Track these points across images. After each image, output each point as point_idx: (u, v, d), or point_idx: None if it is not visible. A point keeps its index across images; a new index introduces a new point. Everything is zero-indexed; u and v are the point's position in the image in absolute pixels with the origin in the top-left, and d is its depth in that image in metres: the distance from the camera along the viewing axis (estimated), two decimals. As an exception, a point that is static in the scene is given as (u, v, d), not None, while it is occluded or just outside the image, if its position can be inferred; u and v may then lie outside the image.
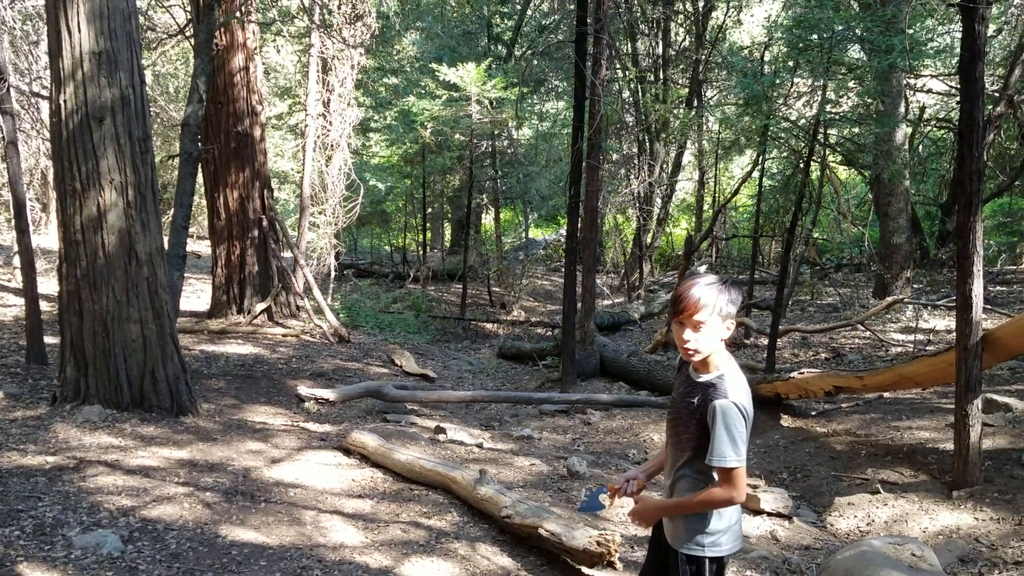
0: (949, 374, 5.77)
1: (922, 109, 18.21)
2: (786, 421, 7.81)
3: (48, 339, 8.26)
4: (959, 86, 5.55)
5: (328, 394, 8.09)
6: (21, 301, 8.81)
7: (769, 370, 9.30)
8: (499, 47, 21.56)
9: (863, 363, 9.90)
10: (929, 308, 12.15)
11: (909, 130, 15.94)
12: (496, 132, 16.97)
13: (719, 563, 2.62)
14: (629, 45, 20.50)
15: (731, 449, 2.42)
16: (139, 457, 5.58)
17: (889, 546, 4.21)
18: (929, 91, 17.34)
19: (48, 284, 11.37)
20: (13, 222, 8.50)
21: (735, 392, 2.45)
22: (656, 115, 18.91)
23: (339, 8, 12.13)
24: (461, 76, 14.58)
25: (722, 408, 2.43)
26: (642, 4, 19.43)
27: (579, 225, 10.30)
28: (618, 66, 19.26)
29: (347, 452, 6.41)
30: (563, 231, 19.21)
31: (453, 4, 21.42)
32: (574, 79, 10.28)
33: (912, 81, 15.55)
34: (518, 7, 21.84)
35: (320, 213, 14.28)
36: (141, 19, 10.55)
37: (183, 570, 4.03)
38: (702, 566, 2.61)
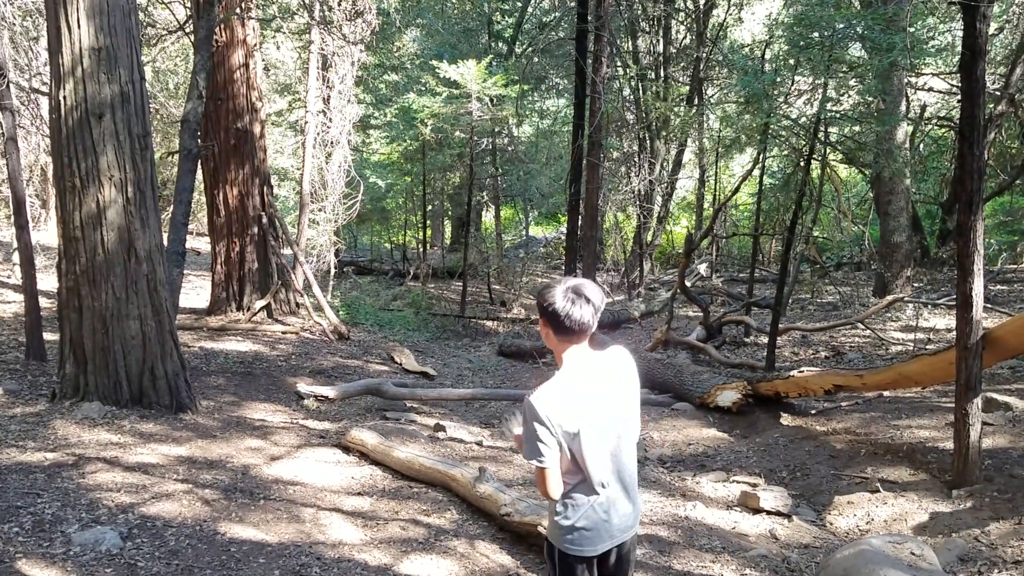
0: (949, 373, 5.77)
1: (923, 107, 18.19)
2: (786, 419, 7.80)
3: (47, 335, 8.26)
4: (960, 84, 5.54)
5: (327, 391, 8.08)
6: (21, 297, 8.80)
7: (769, 368, 9.30)
8: (500, 44, 21.54)
9: (863, 362, 9.89)
10: (929, 307, 12.14)
11: (910, 128, 15.93)
12: (496, 129, 16.96)
13: (566, 561, 2.67)
14: (630, 42, 20.48)
15: (527, 448, 2.54)
16: (138, 454, 5.57)
17: (889, 544, 4.20)
18: (930, 89, 17.31)
19: (48, 280, 11.36)
20: (13, 218, 8.49)
21: (538, 394, 2.51)
22: (657, 113, 18.90)
23: (339, 4, 12.10)
24: (462, 73, 14.56)
25: (522, 407, 2.55)
26: (643, 1, 19.41)
27: (579, 223, 10.30)
28: (619, 63, 19.25)
29: (346, 449, 6.40)
30: (563, 229, 19.18)
31: (454, 1, 21.40)
32: (575, 76, 10.29)
33: (913, 79, 15.52)
34: (519, 4, 21.82)
35: (320, 210, 14.26)
36: (141, 15, 10.54)
37: (182, 567, 4.03)
38: (553, 555, 2.71)
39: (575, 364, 2.59)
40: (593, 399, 2.56)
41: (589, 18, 9.73)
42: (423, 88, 16.13)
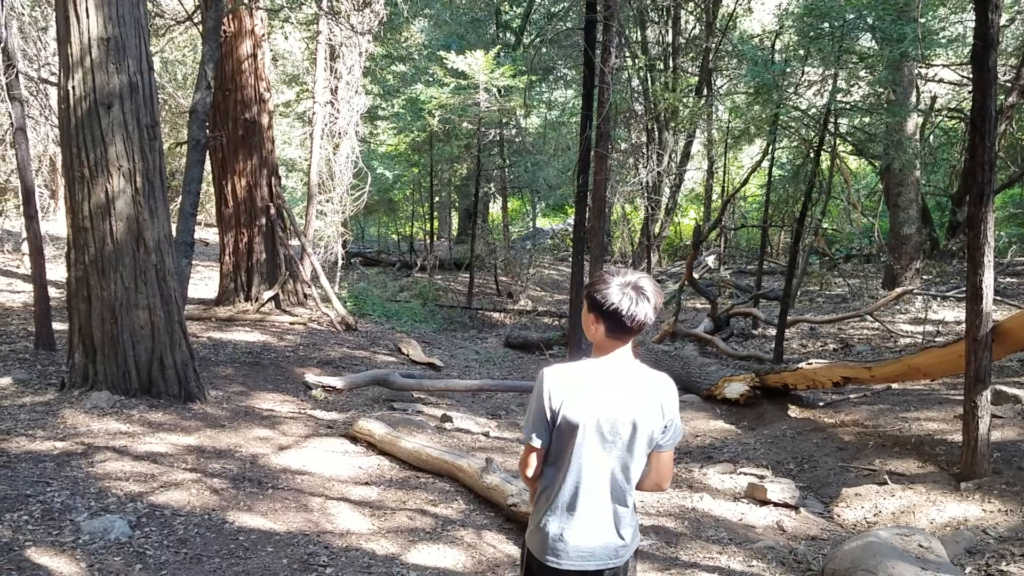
0: (958, 365, 5.74)
1: (933, 99, 18.08)
2: (794, 412, 7.79)
3: (57, 325, 8.29)
4: (971, 75, 5.50)
5: (335, 382, 8.10)
6: (30, 287, 8.84)
7: (777, 360, 9.28)
8: (508, 35, 21.49)
9: (872, 354, 9.87)
10: (939, 299, 12.09)
11: (920, 120, 15.84)
12: (504, 120, 16.93)
13: (528, 556, 2.46)
14: (639, 33, 20.40)
15: (525, 422, 2.41)
16: (147, 443, 5.60)
17: (896, 537, 4.19)
18: (941, 80, 17.21)
19: (57, 270, 11.41)
20: (22, 208, 8.53)
21: (554, 367, 2.37)
22: (665, 104, 18.83)
23: (347, -5, 12.07)
24: (469, 64, 14.53)
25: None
26: (652, -8, 19.33)
27: (587, 214, 10.26)
28: (627, 54, 19.15)
29: (354, 440, 6.42)
30: (571, 220, 19.18)
31: (462, -9, 21.35)
32: (583, 67, 10.24)
33: (924, 70, 15.42)
34: (527, -6, 21.75)
35: (327, 201, 14.27)
36: (149, 5, 10.54)
37: (190, 555, 4.05)
38: (523, 553, 2.53)
39: (610, 360, 2.36)
40: (609, 403, 2.31)
41: (597, 8, 9.67)
42: (431, 79, 16.11)
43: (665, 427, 2.40)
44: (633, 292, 2.27)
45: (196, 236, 9.14)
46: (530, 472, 2.42)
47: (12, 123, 8.03)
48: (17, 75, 7.98)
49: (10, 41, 7.90)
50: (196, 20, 10.93)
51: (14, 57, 7.96)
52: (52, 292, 9.11)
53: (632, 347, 2.40)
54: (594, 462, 2.34)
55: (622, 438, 2.34)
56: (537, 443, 2.35)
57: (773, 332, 10.40)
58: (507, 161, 18.17)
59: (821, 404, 7.99)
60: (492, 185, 19.63)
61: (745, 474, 6.24)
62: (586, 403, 2.31)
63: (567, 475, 2.35)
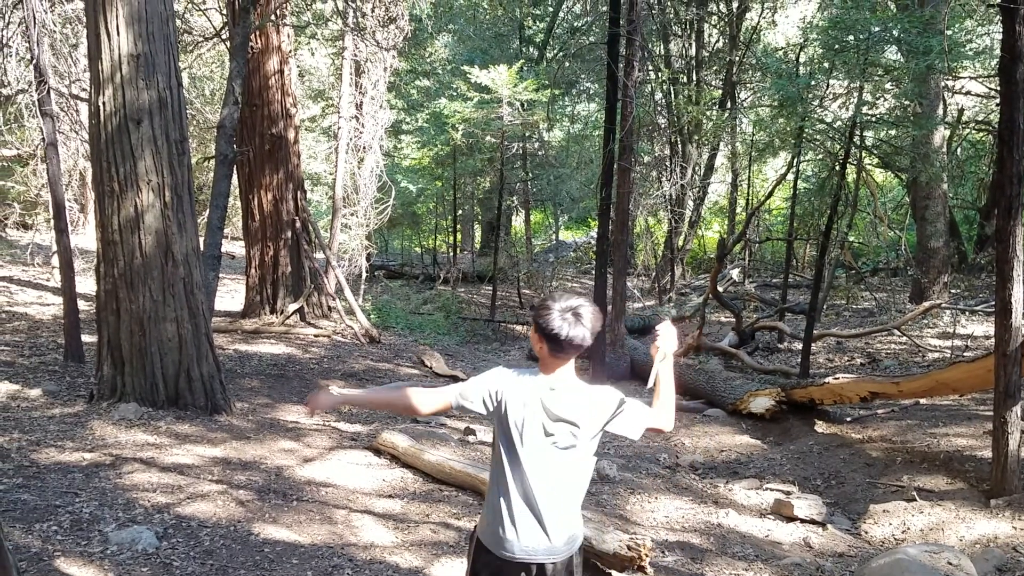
0: (987, 380, 5.67)
1: (960, 111, 17.91)
2: (820, 427, 7.71)
3: (86, 338, 8.40)
4: (999, 88, 5.45)
5: (359, 394, 8.11)
6: (60, 300, 8.96)
7: (803, 375, 9.20)
8: (531, 49, 21.58)
9: (899, 369, 9.76)
10: (967, 313, 11.94)
11: (947, 132, 15.69)
12: (527, 134, 16.99)
13: (477, 543, 2.68)
14: (662, 46, 20.41)
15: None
16: (174, 455, 5.65)
17: (925, 554, 4.14)
18: (968, 93, 17.04)
19: (86, 283, 11.57)
20: (53, 222, 8.65)
21: (511, 368, 2.65)
22: (689, 117, 18.80)
23: (372, 11, 12.20)
24: (493, 78, 14.61)
25: None
26: (675, 5, 19.33)
27: (610, 227, 10.26)
28: (650, 68, 19.15)
29: (377, 452, 6.43)
30: (594, 233, 19.15)
31: (486, 7, 21.47)
32: (606, 81, 10.26)
33: (951, 83, 15.29)
34: (550, 9, 21.84)
35: (352, 215, 14.37)
36: (178, 22, 10.70)
37: (216, 567, 4.07)
38: (473, 535, 2.75)
39: (553, 375, 2.59)
40: (547, 413, 2.54)
41: (621, 22, 9.71)
42: (454, 93, 16.20)
43: (614, 414, 2.63)
44: (572, 317, 2.51)
45: (223, 249, 9.24)
46: (424, 408, 2.63)
47: (44, 138, 8.16)
48: (48, 91, 8.12)
49: (42, 58, 8.04)
50: (224, 37, 11.10)
51: (45, 73, 8.10)
52: (81, 305, 9.24)
53: (575, 364, 2.65)
54: (528, 464, 2.55)
55: (563, 441, 2.56)
56: (457, 393, 2.59)
57: (799, 346, 10.32)
58: (530, 174, 18.22)
59: (848, 419, 7.90)
60: (515, 198, 19.67)
61: (771, 490, 6.18)
62: (527, 405, 2.55)
63: (514, 475, 2.56)
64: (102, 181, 6.34)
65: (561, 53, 21.21)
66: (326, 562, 4.26)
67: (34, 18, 7.89)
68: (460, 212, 20.65)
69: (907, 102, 10.83)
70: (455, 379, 10.20)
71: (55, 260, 10.95)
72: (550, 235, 26.01)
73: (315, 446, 6.48)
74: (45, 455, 5.32)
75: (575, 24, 22.32)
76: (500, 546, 2.59)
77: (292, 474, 5.65)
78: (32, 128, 12.04)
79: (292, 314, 11.52)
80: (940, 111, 13.23)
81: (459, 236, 22.45)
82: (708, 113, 19.26)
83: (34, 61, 8.01)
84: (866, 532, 5.42)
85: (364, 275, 14.78)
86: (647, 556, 4.23)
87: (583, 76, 21.68)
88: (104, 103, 6.22)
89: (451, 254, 20.33)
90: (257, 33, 10.74)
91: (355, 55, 13.45)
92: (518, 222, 24.92)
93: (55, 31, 10.72)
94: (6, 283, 12.25)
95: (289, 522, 4.74)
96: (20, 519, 4.27)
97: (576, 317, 2.51)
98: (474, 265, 20.44)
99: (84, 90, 10.31)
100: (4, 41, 9.90)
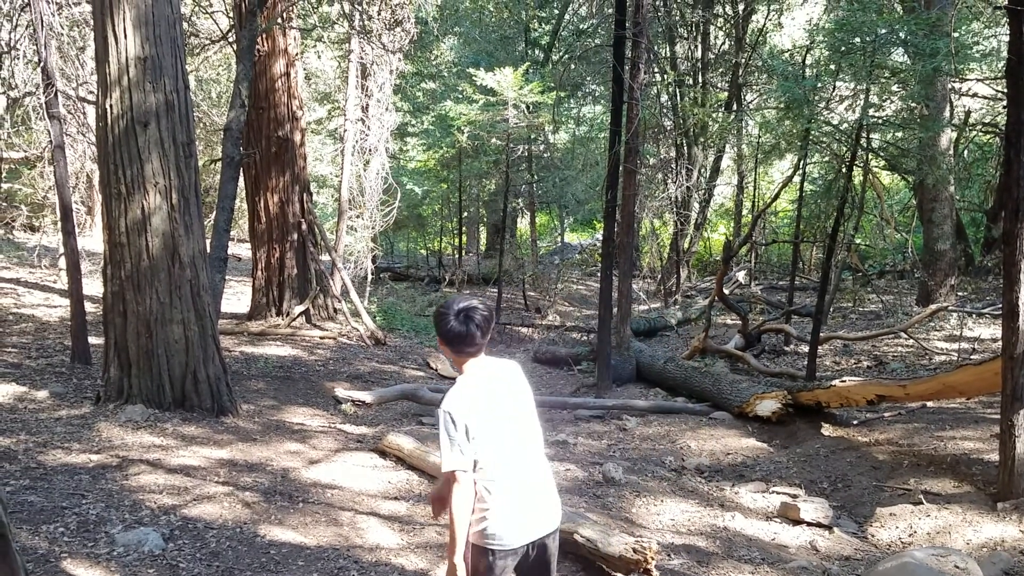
0: (994, 383, 5.65)
1: (967, 113, 17.86)
2: (827, 430, 7.69)
3: (92, 339, 8.42)
4: (1006, 90, 5.43)
5: (365, 396, 8.14)
6: (67, 302, 8.99)
7: (810, 378, 9.17)
8: (536, 51, 21.58)
9: (906, 372, 9.72)
10: (974, 316, 11.90)
11: (954, 135, 15.64)
12: (532, 136, 16.98)
13: (486, 556, 2.83)
14: (668, 49, 20.40)
15: (445, 456, 2.73)
16: (180, 456, 5.66)
17: (932, 558, 4.12)
18: (975, 95, 17.00)
19: (93, 285, 11.59)
20: (60, 225, 8.68)
21: (450, 401, 2.76)
22: (694, 119, 18.78)
23: (379, 14, 12.21)
24: (498, 80, 14.61)
25: (438, 416, 2.80)
26: (681, 7, 19.33)
27: (615, 229, 10.25)
28: (656, 70, 19.17)
29: (383, 454, 6.44)
30: (599, 235, 19.14)
31: (491, 9, 21.50)
32: (612, 83, 10.25)
33: (957, 85, 15.25)
34: (556, 11, 21.84)
35: (358, 217, 14.39)
36: (185, 25, 10.72)
37: (222, 569, 4.08)
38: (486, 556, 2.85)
39: (476, 372, 2.88)
40: (499, 403, 2.84)
41: (627, 24, 9.70)
42: (460, 96, 16.22)
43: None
44: (465, 318, 2.80)
45: (229, 251, 9.25)
46: (468, 502, 2.75)
47: (51, 141, 8.20)
48: (56, 94, 8.15)
49: (49, 61, 8.07)
50: (231, 40, 11.12)
51: (53, 76, 8.13)
52: (88, 307, 9.25)
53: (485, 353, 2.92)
54: (511, 451, 2.83)
55: (519, 424, 2.89)
56: (467, 467, 2.73)
57: (805, 349, 10.28)
58: (535, 176, 18.20)
59: (855, 422, 7.88)
60: (520, 200, 19.66)
61: (778, 493, 6.17)
62: (486, 414, 2.77)
63: (498, 473, 2.80)
64: (109, 183, 6.37)
65: (567, 55, 21.21)
66: (332, 564, 4.27)
67: (42, 21, 7.92)
68: (465, 214, 20.66)
69: (914, 104, 10.79)
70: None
71: (62, 262, 10.98)
72: (555, 237, 26.00)
73: (321, 448, 6.49)
74: (52, 457, 5.34)
75: (581, 26, 22.32)
76: (520, 535, 2.82)
77: (298, 476, 5.66)
78: (39, 131, 12.06)
79: (298, 316, 11.55)
80: (947, 113, 13.20)
81: (464, 238, 22.45)
82: (714, 115, 19.24)
83: (42, 64, 8.04)
84: (873, 535, 5.40)
85: (370, 277, 14.78)
86: (653, 559, 4.22)
87: (589, 78, 21.67)
88: (111, 106, 6.25)
89: (456, 256, 20.33)
90: (264, 36, 10.76)
91: (361, 58, 13.47)
92: (523, 224, 24.90)
93: (62, 34, 10.75)
94: (13, 285, 12.30)
95: (295, 524, 4.75)
96: (27, 520, 4.29)
97: (468, 317, 2.81)
98: (479, 267, 20.43)
99: (91, 93, 10.36)
100: (12, 44, 9.95)
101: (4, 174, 16.28)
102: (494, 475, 2.80)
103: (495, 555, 2.80)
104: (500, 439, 2.80)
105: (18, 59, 10.23)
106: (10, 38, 9.95)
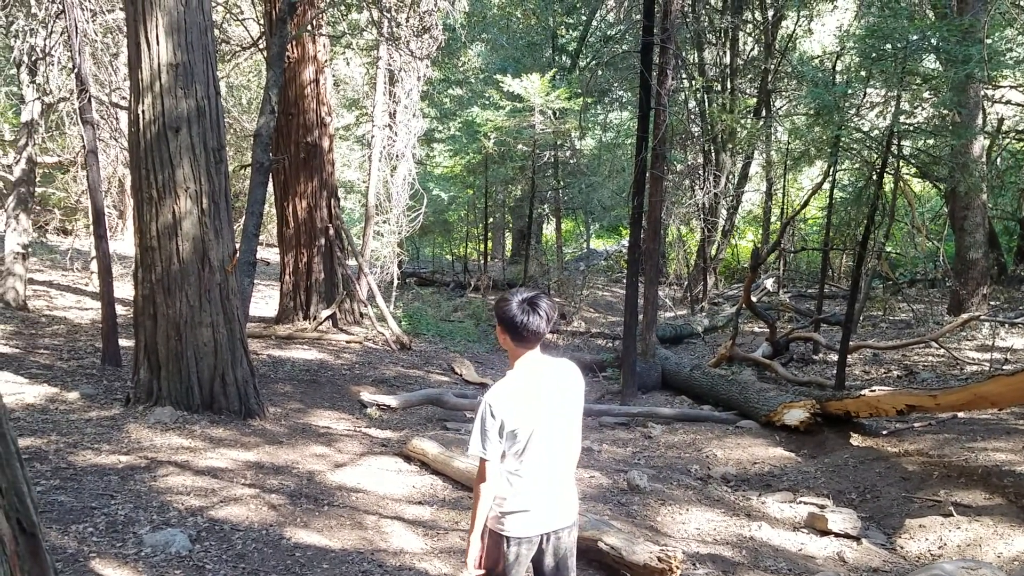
0: (1029, 395, 5.55)
1: (1001, 120, 17.59)
2: (856, 440, 7.60)
3: (123, 342, 8.54)
4: (1043, 96, 5.35)
5: (390, 400, 8.17)
6: (98, 305, 9.12)
7: (839, 387, 9.07)
8: (563, 58, 21.59)
9: (937, 381, 9.59)
10: (1007, 326, 11.71)
11: (987, 142, 15.41)
12: (559, 142, 16.99)
13: (501, 541, 2.92)
14: (696, 55, 20.31)
15: (473, 440, 2.83)
16: (208, 458, 5.71)
17: (962, 570, 4.05)
18: (1008, 102, 16.73)
19: (124, 288, 11.76)
20: (92, 228, 8.80)
21: (493, 393, 2.82)
22: (723, 125, 18.67)
23: (407, 21, 12.29)
24: (525, 87, 14.64)
25: (478, 403, 2.90)
26: (710, 14, 19.24)
27: (642, 236, 10.22)
28: (684, 76, 19.09)
29: (407, 458, 6.46)
30: (625, 242, 19.09)
31: (519, 16, 21.53)
32: (639, 89, 10.23)
33: (990, 92, 15.03)
34: (584, 18, 21.84)
35: (384, 222, 14.47)
36: (216, 32, 10.85)
37: (248, 570, 4.11)
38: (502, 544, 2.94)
39: (527, 367, 2.91)
40: (541, 401, 2.86)
41: (655, 30, 9.67)
42: (487, 102, 16.27)
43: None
44: (528, 307, 2.82)
45: (258, 256, 9.34)
46: (493, 485, 2.86)
47: (84, 145, 8.32)
48: (89, 99, 8.29)
49: (83, 67, 8.21)
50: (261, 47, 11.26)
51: (87, 82, 8.27)
52: (119, 310, 9.39)
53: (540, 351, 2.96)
54: (543, 450, 2.87)
55: (559, 424, 2.91)
56: (491, 456, 2.82)
57: (834, 358, 10.17)
58: (561, 182, 18.21)
59: (884, 432, 7.78)
60: (546, 206, 19.67)
61: (805, 503, 6.10)
62: (525, 411, 2.83)
63: (526, 467, 2.87)
64: (141, 188, 6.45)
65: (594, 61, 21.17)
66: (356, 567, 4.28)
67: (76, 28, 8.06)
68: (491, 220, 20.69)
69: (946, 111, 10.66)
70: (485, 386, 10.21)
71: (94, 265, 11.15)
72: (581, 243, 25.99)
73: (346, 451, 6.52)
74: (82, 457, 5.41)
75: (608, 32, 22.27)
76: (535, 524, 2.90)
77: (324, 479, 5.69)
78: (73, 135, 12.27)
79: (325, 320, 11.62)
80: (979, 120, 13.00)
81: (490, 244, 22.49)
82: (742, 121, 19.10)
83: (76, 70, 8.18)
84: (901, 547, 5.33)
85: (396, 282, 14.85)
86: (678, 568, 4.19)
87: (616, 84, 21.61)
88: (143, 111, 6.33)
89: (482, 262, 20.36)
90: (294, 43, 10.87)
91: (389, 64, 13.56)
92: (549, 230, 24.90)
93: (96, 41, 10.93)
94: (46, 287, 12.50)
95: (320, 527, 4.77)
96: (57, 520, 4.35)
97: (532, 307, 2.82)
98: (504, 273, 20.45)
99: (124, 98, 10.50)
100: (47, 50, 10.13)
101: (38, 178, 16.55)
102: (520, 467, 2.87)
103: (509, 542, 2.89)
104: (534, 433, 2.84)
105: (53, 65, 10.42)
106: (45, 44, 10.14)
